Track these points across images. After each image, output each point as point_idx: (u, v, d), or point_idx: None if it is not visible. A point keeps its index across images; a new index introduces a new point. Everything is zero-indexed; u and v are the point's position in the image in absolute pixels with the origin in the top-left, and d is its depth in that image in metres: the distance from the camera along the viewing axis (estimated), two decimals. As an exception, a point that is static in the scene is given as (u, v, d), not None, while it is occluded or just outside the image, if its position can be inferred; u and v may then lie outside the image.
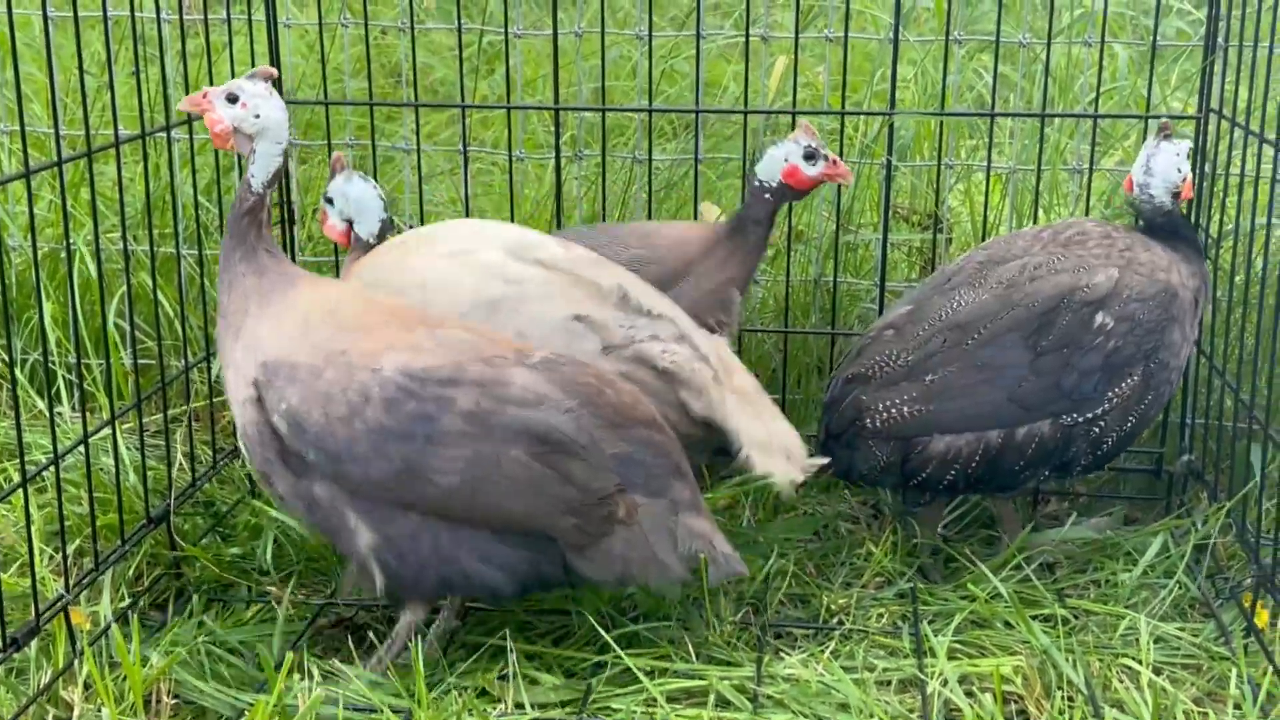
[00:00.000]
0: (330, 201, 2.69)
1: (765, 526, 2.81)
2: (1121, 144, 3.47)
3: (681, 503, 2.22)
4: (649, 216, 3.11)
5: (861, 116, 3.34)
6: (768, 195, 2.66)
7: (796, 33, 2.90)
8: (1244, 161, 2.70)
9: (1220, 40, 2.86)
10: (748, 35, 2.96)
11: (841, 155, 3.04)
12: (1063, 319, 2.47)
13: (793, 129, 3.00)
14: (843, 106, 3.01)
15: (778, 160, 2.67)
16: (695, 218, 3.13)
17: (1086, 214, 3.04)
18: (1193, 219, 2.94)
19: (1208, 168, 2.91)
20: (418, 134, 3.10)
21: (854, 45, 3.72)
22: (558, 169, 3.06)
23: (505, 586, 2.21)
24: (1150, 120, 2.98)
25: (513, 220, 3.17)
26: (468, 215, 3.12)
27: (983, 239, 3.09)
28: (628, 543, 2.18)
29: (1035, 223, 3.09)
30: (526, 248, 2.43)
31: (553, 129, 3.04)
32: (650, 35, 2.95)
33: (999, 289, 2.52)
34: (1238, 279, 2.87)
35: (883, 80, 3.37)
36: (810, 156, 2.66)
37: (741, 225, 2.69)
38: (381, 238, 2.66)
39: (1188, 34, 3.85)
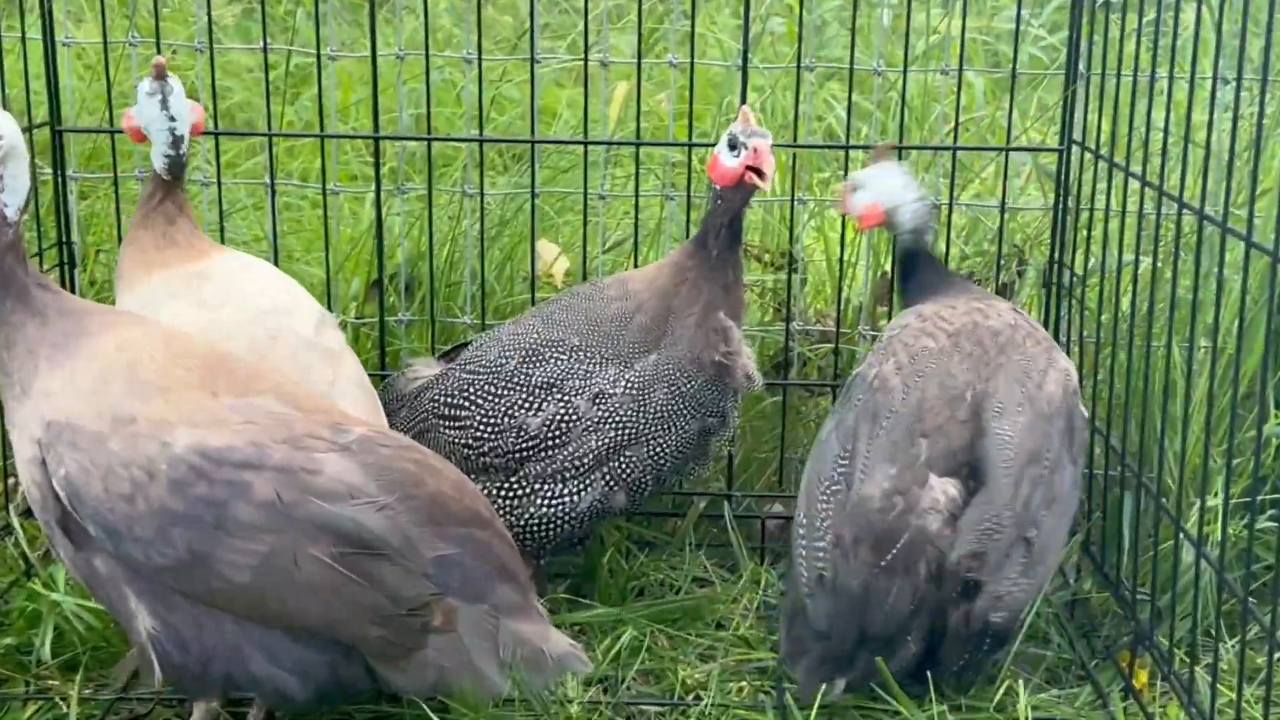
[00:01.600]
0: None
1: (621, 603, 2.77)
2: (980, 177, 3.49)
3: (505, 606, 2.12)
4: (480, 253, 3.06)
5: (709, 148, 3.29)
6: (718, 199, 2.53)
7: (639, 58, 2.88)
8: (1109, 195, 2.73)
9: (1081, 68, 2.92)
10: (586, 60, 2.93)
11: (688, 189, 3.00)
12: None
13: (636, 161, 2.96)
14: (689, 137, 2.98)
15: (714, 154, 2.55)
16: (532, 257, 3.03)
17: (947, 249, 3.04)
18: (1054, 255, 2.96)
19: (1070, 202, 2.96)
20: (217, 164, 3.00)
21: (699, 71, 3.71)
22: (378, 204, 2.98)
23: (299, 693, 2.08)
24: (1011, 154, 3.00)
25: (327, 260, 3.03)
26: (275, 254, 3.03)
27: (840, 279, 3.06)
28: (442, 651, 2.08)
29: (893, 261, 3.08)
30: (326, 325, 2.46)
31: (371, 160, 2.95)
32: (480, 59, 2.88)
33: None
34: (1104, 317, 2.92)
35: (730, 110, 3.38)
36: (732, 145, 2.49)
37: (702, 238, 2.56)
38: (175, 176, 2.51)
39: (1042, 61, 3.95)
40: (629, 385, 2.53)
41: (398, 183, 3.19)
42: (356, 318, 3.18)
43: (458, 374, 2.65)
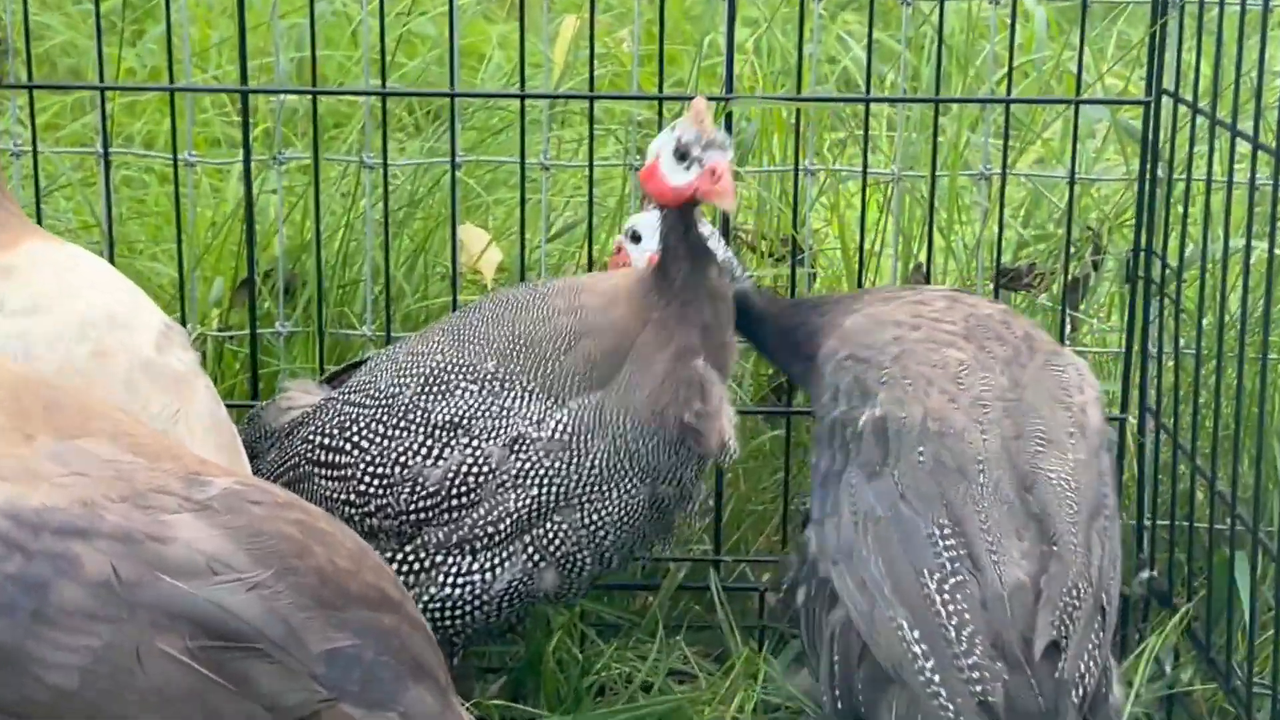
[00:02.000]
0: None
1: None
2: (1042, 138, 3.51)
3: (420, 714, 2.09)
4: (385, 243, 3.04)
5: (685, 102, 3.28)
6: (663, 212, 2.51)
7: None
8: (1211, 160, 2.75)
9: None
10: None
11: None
12: None
13: (590, 119, 2.95)
14: (659, 88, 2.97)
15: (650, 155, 2.51)
16: (453, 247, 3.03)
17: (1000, 231, 3.04)
18: (1140, 241, 2.99)
19: (1161, 170, 2.97)
20: (32, 126, 2.98)
21: (672, 1, 3.71)
22: (247, 178, 2.97)
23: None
24: (1081, 106, 3.01)
25: (180, 253, 3.01)
26: (110, 244, 3.02)
27: (860, 272, 3.06)
28: None
29: (929, 249, 3.07)
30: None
31: (238, 120, 2.94)
32: (380, -16, 2.90)
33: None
34: (1207, 321, 2.92)
35: (714, 52, 3.32)
36: (682, 155, 2.46)
37: (661, 264, 2.53)
38: None
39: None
40: (559, 429, 2.51)
41: (273, 150, 3.18)
42: (220, 329, 3.16)
43: (338, 406, 2.63)
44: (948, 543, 2.35)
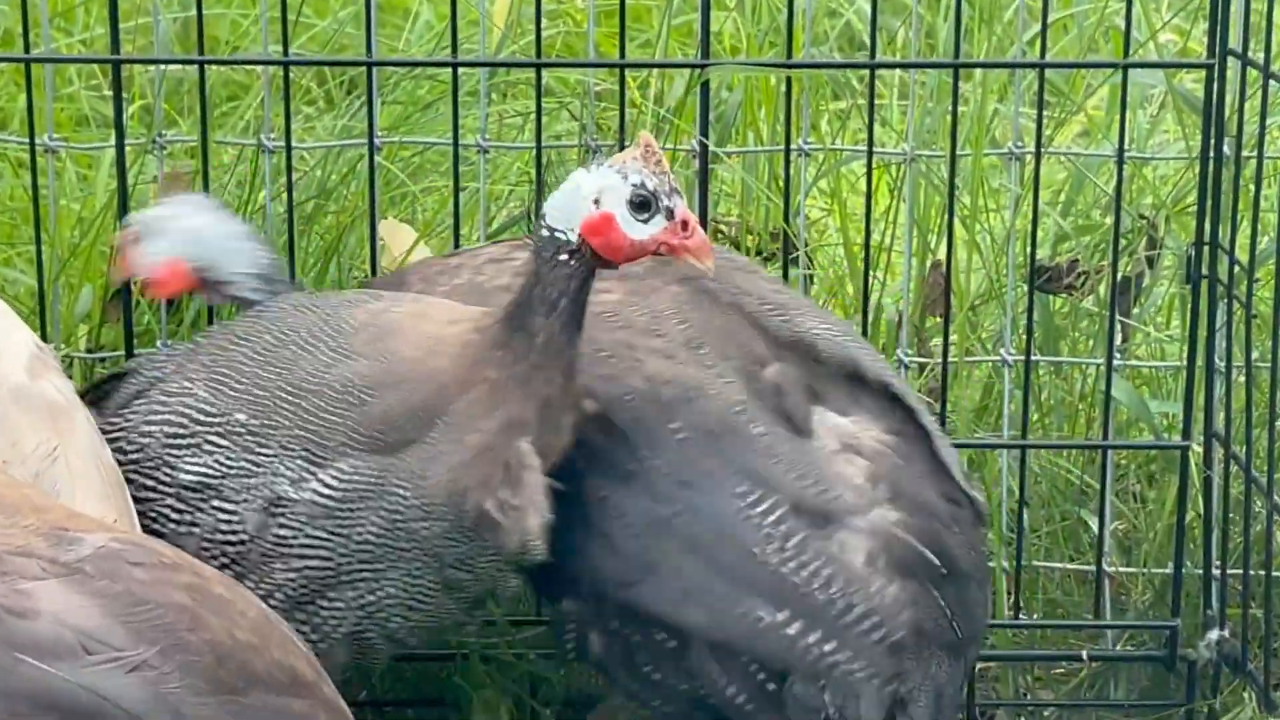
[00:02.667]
0: None
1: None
2: (1084, 110, 3.52)
3: None
4: (290, 242, 3.03)
5: (654, 70, 3.30)
6: (565, 256, 2.47)
7: None
8: None
9: None
10: None
11: (622, 133, 3.01)
12: None
13: (538, 90, 2.96)
14: (621, 53, 2.98)
15: (581, 197, 2.46)
16: (372, 246, 3.04)
17: (1035, 220, 3.07)
18: (1204, 232, 3.01)
19: (1228, 148, 2.98)
20: None
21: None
22: (120, 166, 2.96)
23: None
24: (1131, 70, 3.02)
25: (39, 257, 3.00)
26: None
27: (866, 272, 3.08)
28: None
29: (949, 244, 3.09)
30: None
31: (110, 95, 2.97)
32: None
33: None
34: None
35: (688, 6, 3.35)
36: (642, 205, 2.46)
37: (520, 313, 2.49)
38: None
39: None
40: (323, 493, 2.53)
41: (153, 131, 3.17)
42: (89, 350, 3.16)
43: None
44: (763, 506, 2.48)
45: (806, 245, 3.28)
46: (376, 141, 3.00)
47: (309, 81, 3.94)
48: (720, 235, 3.37)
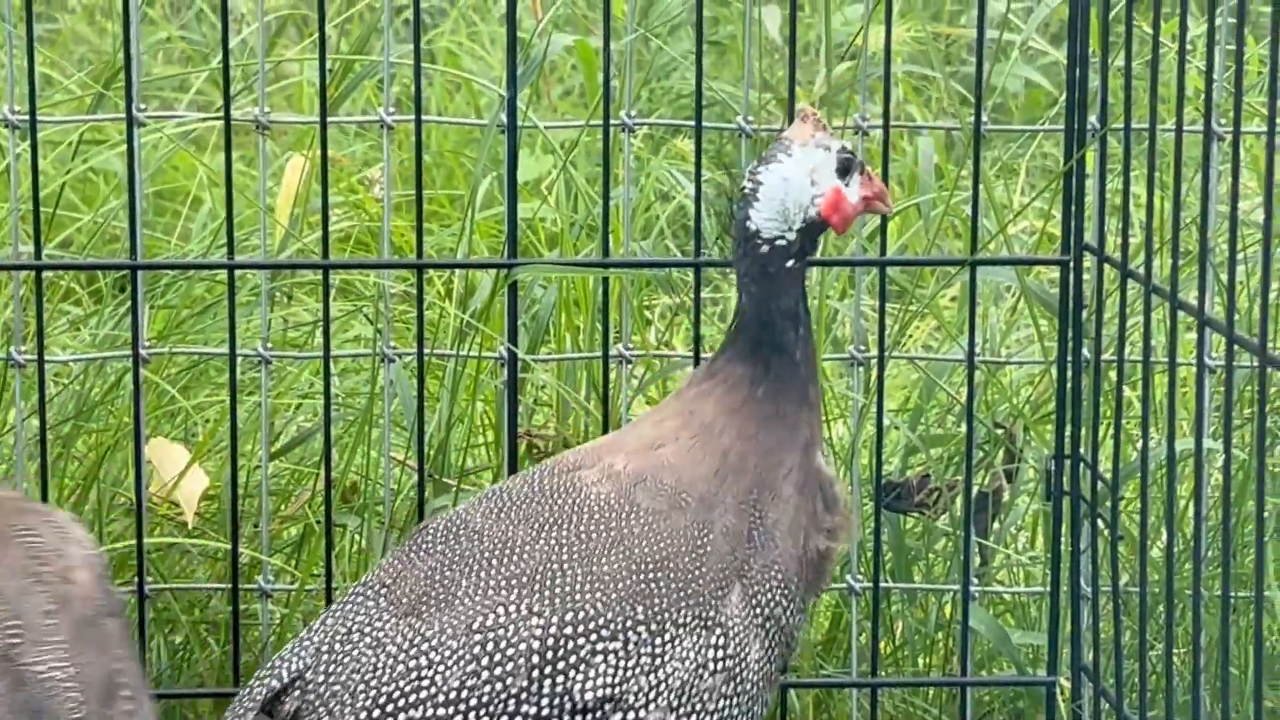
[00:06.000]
0: None
1: None
2: (937, 307, 3.46)
3: None
4: (43, 467, 2.99)
5: (454, 272, 3.27)
6: (791, 262, 2.58)
7: (323, 116, 2.93)
8: (1147, 334, 2.76)
9: (1092, 121, 2.98)
10: (228, 115, 2.97)
11: (420, 339, 2.98)
12: None
13: (325, 290, 2.88)
14: (419, 251, 3.01)
15: (797, 188, 2.56)
16: (138, 469, 2.95)
17: (879, 435, 2.99)
18: (1063, 442, 3.00)
19: (1087, 350, 2.99)
20: None
21: (454, 130, 3.66)
22: None
23: None
24: (979, 268, 2.97)
25: None
26: None
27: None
28: None
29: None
30: None
31: None
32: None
33: None
34: (1156, 551, 2.96)
35: (496, 200, 3.31)
36: (846, 168, 2.61)
37: (766, 336, 2.59)
38: None
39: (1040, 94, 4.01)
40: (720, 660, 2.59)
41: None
42: None
43: None
44: None
45: (630, 461, 3.21)
46: (143, 352, 2.99)
47: (70, 282, 3.93)
48: (535, 450, 3.33)
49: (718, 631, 2.57)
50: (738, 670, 2.58)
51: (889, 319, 3.08)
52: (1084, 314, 2.98)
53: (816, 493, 2.60)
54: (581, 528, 2.58)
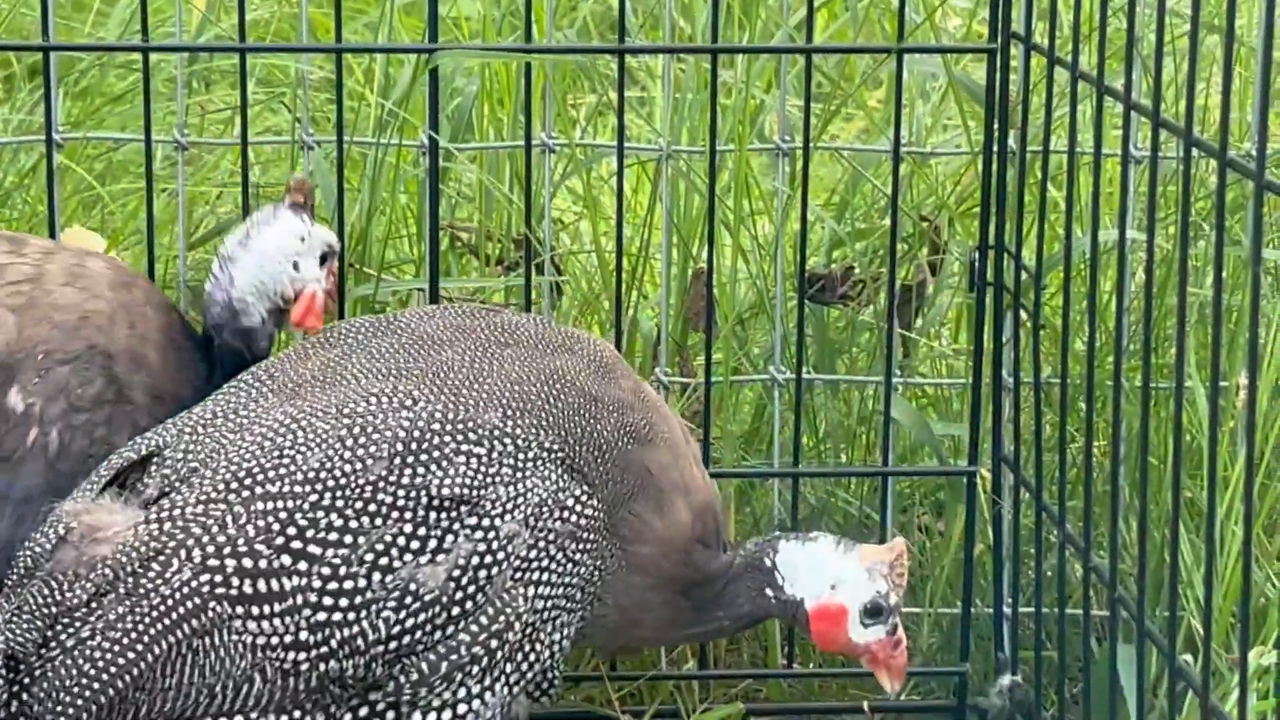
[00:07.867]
0: None
1: None
2: (864, 100, 3.50)
3: None
4: None
5: (378, 56, 3.29)
6: (794, 616, 2.73)
7: None
8: (1073, 125, 2.77)
9: None
10: None
11: (340, 126, 2.99)
12: None
13: (243, 80, 2.90)
14: (337, 35, 2.99)
15: (818, 575, 2.69)
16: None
17: (804, 228, 3.06)
18: (987, 234, 3.03)
19: (1013, 140, 3.00)
20: None
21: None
22: None
23: None
24: (909, 57, 3.03)
25: None
26: None
27: (618, 280, 3.04)
28: None
29: (710, 250, 3.06)
30: None
31: None
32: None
33: None
34: (1079, 343, 2.97)
35: None
36: (874, 611, 2.69)
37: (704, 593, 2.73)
38: None
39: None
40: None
41: None
42: None
43: (231, 510, 2.53)
44: None
45: (554, 252, 3.24)
46: (57, 137, 2.97)
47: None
48: (458, 244, 3.35)
49: (584, 487, 2.61)
50: (588, 546, 2.62)
51: (814, 113, 3.10)
52: (1010, 103, 2.98)
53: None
54: (494, 344, 2.64)
